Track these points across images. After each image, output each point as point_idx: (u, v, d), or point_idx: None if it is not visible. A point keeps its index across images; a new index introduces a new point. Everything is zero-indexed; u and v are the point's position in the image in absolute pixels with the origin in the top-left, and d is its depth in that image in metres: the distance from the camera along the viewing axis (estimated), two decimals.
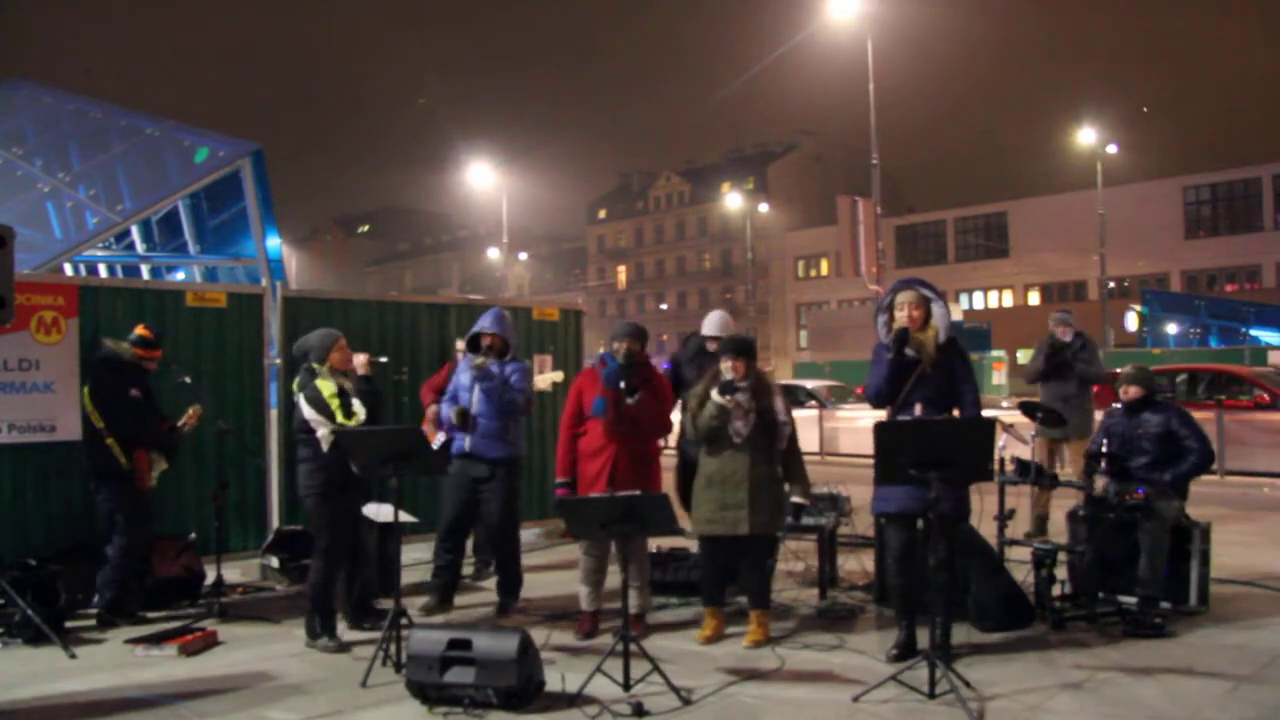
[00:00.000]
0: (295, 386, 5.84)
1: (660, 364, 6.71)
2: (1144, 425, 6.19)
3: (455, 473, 6.40)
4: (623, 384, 5.80)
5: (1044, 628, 5.75)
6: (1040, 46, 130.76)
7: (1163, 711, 4.46)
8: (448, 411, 6.43)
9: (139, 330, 6.39)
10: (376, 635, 5.29)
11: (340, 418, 5.61)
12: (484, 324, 6.46)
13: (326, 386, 5.68)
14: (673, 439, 6.62)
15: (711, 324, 6.92)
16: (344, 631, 5.74)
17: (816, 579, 6.68)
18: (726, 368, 5.59)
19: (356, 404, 5.69)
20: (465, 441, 6.36)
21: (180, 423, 6.44)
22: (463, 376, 6.50)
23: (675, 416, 6.17)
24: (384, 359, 7.43)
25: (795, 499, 5.64)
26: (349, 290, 29.36)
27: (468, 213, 68.77)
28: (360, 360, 6.36)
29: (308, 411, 5.68)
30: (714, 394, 5.53)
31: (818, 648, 5.48)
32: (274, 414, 7.62)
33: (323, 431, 5.65)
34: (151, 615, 6.25)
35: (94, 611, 6.13)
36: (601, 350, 6.23)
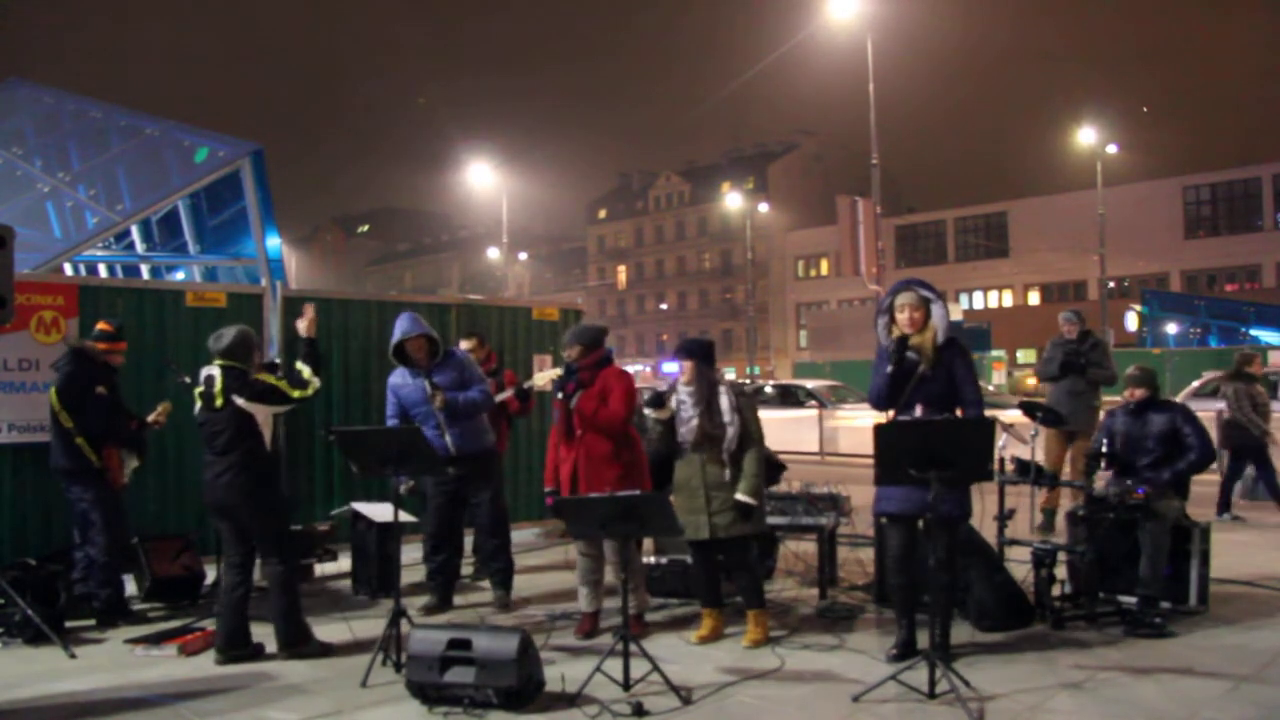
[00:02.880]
0: (219, 392, 5.34)
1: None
2: (1149, 425, 6.21)
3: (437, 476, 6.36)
4: (562, 392, 5.81)
5: (1044, 628, 5.75)
6: (1041, 47, 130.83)
7: (1163, 711, 4.46)
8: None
9: (100, 325, 6.34)
10: (378, 634, 5.29)
11: (296, 393, 5.47)
12: (404, 328, 6.24)
13: (266, 377, 5.48)
14: None
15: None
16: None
17: (816, 579, 6.68)
18: (677, 369, 5.63)
19: (306, 370, 5.57)
20: (448, 447, 6.36)
21: (150, 418, 6.40)
22: (412, 394, 6.37)
23: None
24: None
25: (739, 497, 5.46)
26: (349, 290, 29.34)
27: (468, 213, 69.00)
28: (307, 319, 5.75)
29: (254, 408, 5.37)
30: (644, 409, 5.57)
31: (818, 648, 5.48)
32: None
33: (266, 422, 5.44)
34: (151, 615, 6.26)
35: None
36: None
